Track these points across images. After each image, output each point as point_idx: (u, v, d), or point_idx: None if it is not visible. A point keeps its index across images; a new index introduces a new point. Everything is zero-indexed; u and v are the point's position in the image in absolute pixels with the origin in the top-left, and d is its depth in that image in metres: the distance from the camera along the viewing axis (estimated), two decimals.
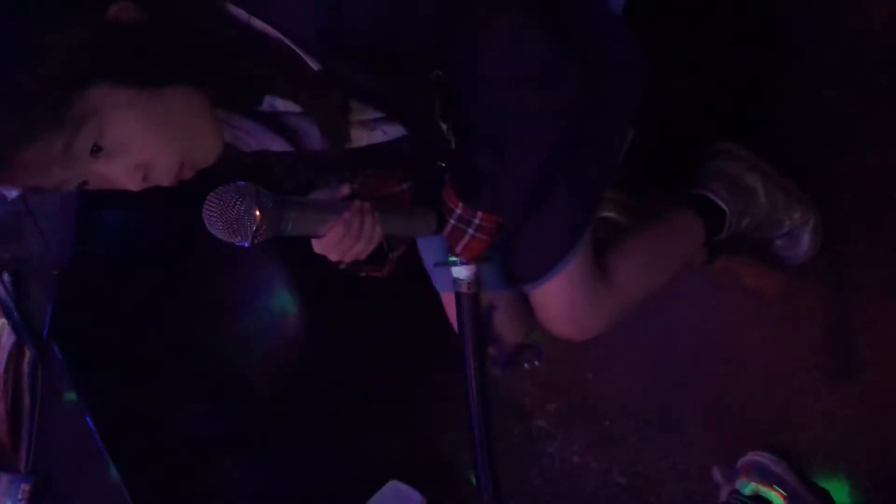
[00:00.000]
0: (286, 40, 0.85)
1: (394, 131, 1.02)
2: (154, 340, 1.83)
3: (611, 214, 1.38)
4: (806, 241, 1.37)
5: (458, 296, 1.08)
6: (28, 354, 1.78)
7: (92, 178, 0.84)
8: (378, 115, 0.98)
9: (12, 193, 1.72)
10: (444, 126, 0.98)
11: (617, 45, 1.08)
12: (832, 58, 1.32)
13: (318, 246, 0.95)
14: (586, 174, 1.11)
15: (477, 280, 1.07)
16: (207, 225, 0.82)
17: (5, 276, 1.86)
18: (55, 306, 1.75)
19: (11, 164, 0.79)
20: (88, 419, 1.67)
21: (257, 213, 0.80)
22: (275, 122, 0.96)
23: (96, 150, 0.80)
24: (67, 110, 0.77)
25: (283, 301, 1.83)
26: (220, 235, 0.82)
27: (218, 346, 1.82)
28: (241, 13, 0.83)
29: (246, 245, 0.83)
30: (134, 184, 0.84)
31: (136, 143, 0.82)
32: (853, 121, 1.32)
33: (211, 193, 0.81)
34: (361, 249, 0.95)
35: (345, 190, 0.98)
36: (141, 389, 1.73)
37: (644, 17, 1.11)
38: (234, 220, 0.80)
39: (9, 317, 1.83)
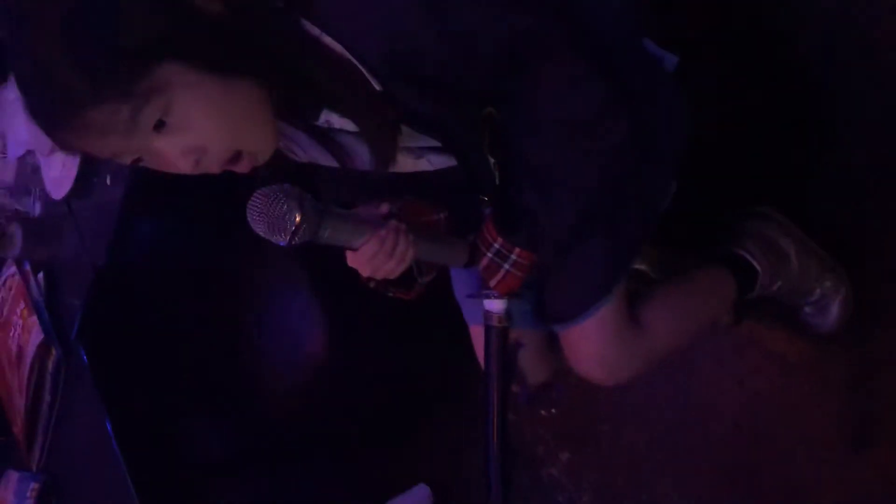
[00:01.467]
0: (353, 59, 0.88)
1: (439, 162, 1.05)
2: (178, 353, 1.85)
3: (643, 267, 1.40)
4: (835, 312, 1.38)
5: (487, 329, 1.09)
6: (54, 354, 1.81)
7: (147, 155, 0.87)
8: (427, 144, 1.01)
9: (60, 193, 1.77)
10: (491, 160, 1.01)
11: (667, 102, 1.11)
12: (872, 130, 1.34)
13: (351, 259, 0.98)
14: (627, 222, 1.13)
15: (508, 315, 1.09)
16: (249, 220, 0.86)
17: (40, 276, 1.90)
18: (86, 309, 1.78)
19: (75, 123, 0.82)
20: (108, 424, 1.68)
21: (298, 214, 0.85)
22: (327, 138, 0.99)
23: (160, 124, 0.83)
24: (140, 81, 0.80)
25: (308, 323, 1.85)
26: (260, 231, 0.86)
27: (240, 364, 1.84)
28: (313, 28, 0.87)
29: (283, 244, 0.87)
30: (187, 165, 0.87)
31: (197, 124, 0.85)
32: (891, 194, 1.34)
33: (258, 191, 0.85)
34: (392, 268, 0.97)
35: (384, 208, 1.01)
36: (162, 401, 1.75)
37: (693, 79, 1.14)
38: (276, 219, 0.85)
39: (39, 315, 1.85)
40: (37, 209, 1.91)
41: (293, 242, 0.86)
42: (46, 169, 1.78)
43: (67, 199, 1.80)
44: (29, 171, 1.90)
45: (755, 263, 1.32)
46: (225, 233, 1.87)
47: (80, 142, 0.85)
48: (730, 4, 1.40)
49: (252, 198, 0.86)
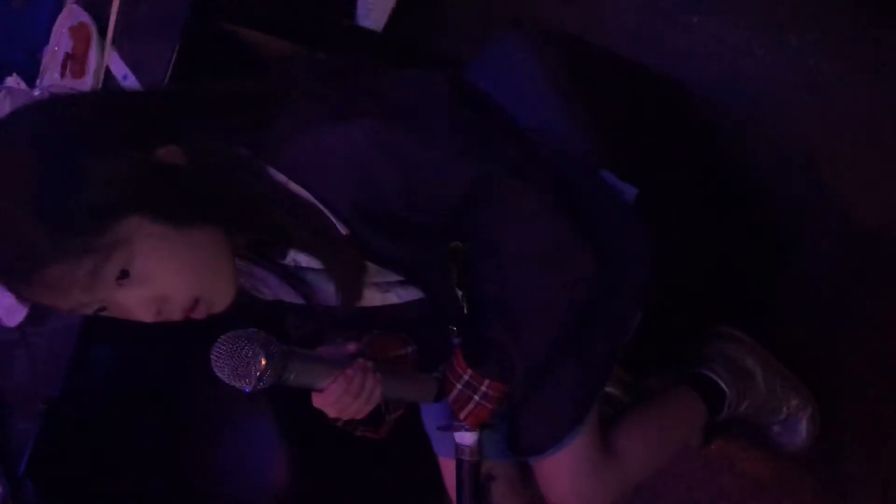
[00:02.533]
0: (318, 204, 0.88)
1: (407, 295, 1.04)
2: (134, 488, 1.78)
3: (613, 390, 1.40)
4: (803, 430, 1.38)
5: (459, 462, 1.07)
6: None
7: (110, 305, 0.85)
8: (394, 278, 1.01)
9: (14, 320, 1.73)
10: (459, 293, 1.01)
11: (629, 232, 1.13)
12: (833, 252, 1.38)
13: (317, 400, 0.95)
14: (595, 351, 1.13)
15: (479, 448, 1.07)
16: (213, 365, 0.84)
17: None
18: (36, 442, 1.71)
19: (35, 279, 0.80)
20: None
21: (263, 360, 0.83)
22: (293, 277, 0.99)
23: (123, 275, 0.82)
24: (102, 236, 0.80)
25: (272, 457, 1.80)
26: (224, 377, 0.84)
27: (199, 499, 1.77)
28: (279, 175, 0.88)
29: (247, 390, 0.85)
30: (148, 315, 0.86)
31: (160, 276, 0.84)
32: (851, 311, 1.37)
33: (222, 336, 0.84)
34: (360, 408, 0.95)
35: (350, 347, 1.00)
36: None
37: (652, 208, 1.17)
38: (240, 365, 0.83)
39: None
40: None
41: (258, 387, 0.84)
42: (0, 296, 1.74)
43: (20, 327, 1.76)
44: None
45: (722, 384, 1.33)
46: (183, 361, 1.83)
47: (40, 297, 0.83)
48: (686, 135, 1.46)
49: (216, 343, 0.84)
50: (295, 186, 0.88)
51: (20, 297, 0.84)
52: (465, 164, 0.91)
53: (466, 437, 1.07)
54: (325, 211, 0.89)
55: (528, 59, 1.20)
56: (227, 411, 1.82)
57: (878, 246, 1.34)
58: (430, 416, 1.26)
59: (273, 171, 0.88)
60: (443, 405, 1.09)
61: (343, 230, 0.90)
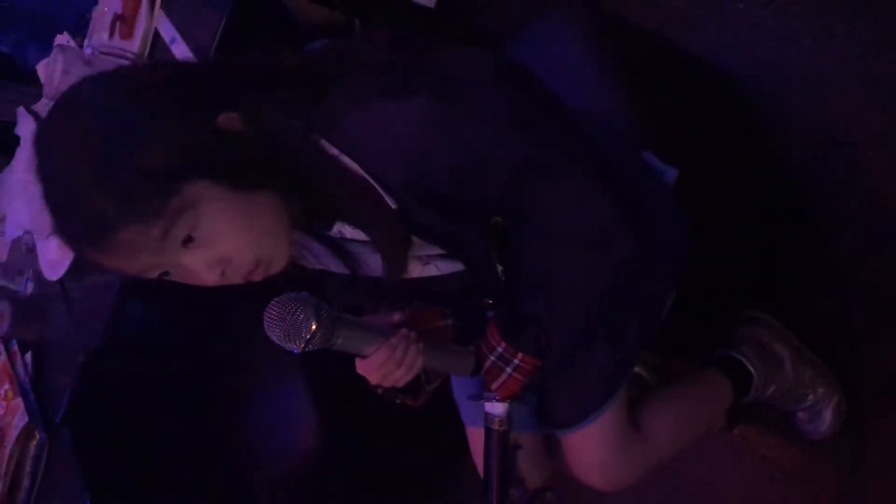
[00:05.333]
0: (369, 178, 0.91)
1: (446, 267, 1.07)
2: (165, 441, 1.82)
3: (641, 372, 1.41)
4: (828, 418, 1.39)
5: (487, 431, 1.09)
6: (37, 438, 1.77)
7: (175, 269, 0.88)
8: (434, 251, 1.03)
9: (55, 275, 1.77)
10: (499, 267, 1.04)
11: (667, 215, 1.14)
12: (872, 241, 1.38)
13: (360, 366, 0.98)
14: (628, 329, 1.15)
15: (509, 419, 1.09)
16: (266, 327, 0.87)
17: (27, 356, 1.88)
18: (73, 393, 1.76)
19: (107, 243, 0.83)
20: None
21: (314, 324, 0.87)
22: (339, 247, 1.01)
23: (188, 239, 0.85)
24: (169, 200, 0.82)
25: (299, 415, 1.83)
26: (275, 338, 0.87)
27: (228, 455, 1.81)
28: (332, 148, 0.90)
29: (296, 351, 0.88)
30: (213, 277, 0.89)
31: (224, 238, 0.87)
32: (882, 302, 1.37)
33: (275, 299, 0.87)
34: (401, 376, 0.98)
35: (395, 317, 1.02)
36: (146, 490, 1.71)
37: (691, 191, 1.18)
38: (292, 327, 0.86)
39: (24, 397, 1.83)
40: (28, 289, 1.90)
41: (306, 349, 0.87)
42: (43, 251, 1.78)
43: (61, 281, 1.80)
44: (23, 252, 1.90)
45: (750, 367, 1.34)
46: (217, 320, 1.87)
47: (110, 261, 0.86)
48: (726, 117, 1.46)
49: (269, 306, 0.87)
50: (347, 160, 0.90)
51: (90, 263, 0.87)
52: (513, 145, 0.93)
53: (496, 408, 1.10)
54: (375, 185, 0.91)
55: (574, 38, 1.21)
56: (258, 370, 1.86)
57: None
58: (460, 386, 1.29)
59: (326, 144, 0.90)
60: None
61: (392, 204, 0.92)
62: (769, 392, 1.37)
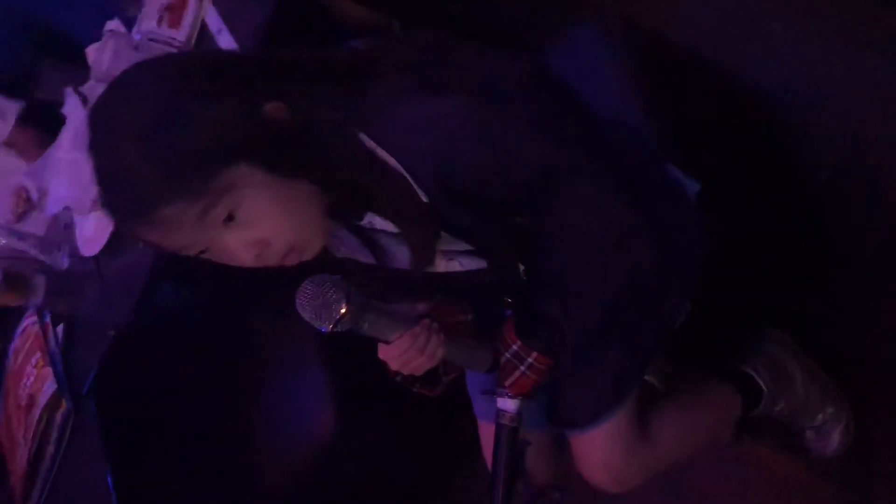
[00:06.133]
0: (403, 171, 0.95)
1: (469, 264, 1.10)
2: (187, 420, 1.87)
3: (651, 379, 1.44)
4: (835, 439, 1.41)
5: (498, 427, 1.12)
6: (64, 406, 1.83)
7: (213, 247, 0.93)
8: (459, 247, 1.07)
9: (91, 251, 1.83)
10: (521, 267, 1.07)
11: (687, 226, 1.17)
12: (884, 266, 1.39)
13: (383, 351, 1.02)
14: (642, 335, 1.18)
15: (520, 415, 1.13)
16: (297, 305, 0.92)
17: (59, 328, 1.94)
18: (102, 365, 1.81)
19: (151, 217, 0.88)
20: (109, 482, 1.69)
21: (344, 305, 0.91)
22: (367, 237, 1.05)
23: (229, 219, 0.90)
24: (213, 180, 0.87)
25: (318, 403, 1.88)
26: (305, 316, 0.92)
27: (247, 439, 1.85)
28: (369, 141, 0.94)
29: (324, 331, 0.93)
30: (250, 258, 0.93)
31: (263, 220, 0.91)
32: None
33: (309, 278, 0.92)
34: (420, 364, 1.02)
35: (421, 307, 1.06)
36: (165, 466, 1.76)
37: (712, 205, 1.20)
38: (323, 307, 0.91)
39: (54, 367, 1.88)
40: (64, 263, 1.96)
41: (335, 330, 0.92)
42: (80, 227, 1.84)
43: (96, 258, 1.86)
44: (61, 227, 1.96)
45: (761, 383, 1.37)
46: (243, 307, 1.92)
47: (152, 235, 0.91)
48: (750, 134, 1.48)
49: (302, 285, 0.92)
50: (382, 153, 0.94)
51: (131, 236, 0.92)
52: (541, 146, 0.97)
53: (508, 404, 1.13)
54: (409, 178, 0.95)
55: (606, 49, 1.24)
56: (279, 359, 1.90)
57: None
58: (474, 380, 1.33)
59: (364, 138, 0.94)
60: None
61: (423, 198, 0.96)
62: (778, 408, 1.39)
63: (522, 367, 1.10)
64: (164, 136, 0.86)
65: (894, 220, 1.38)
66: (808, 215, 1.46)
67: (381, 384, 1.15)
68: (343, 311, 0.91)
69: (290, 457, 1.87)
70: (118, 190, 0.89)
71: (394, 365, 1.03)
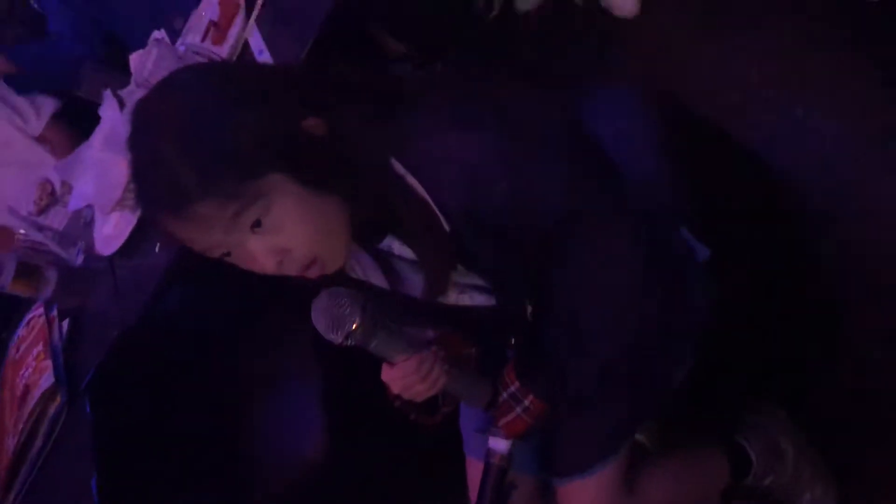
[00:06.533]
0: (430, 199, 0.97)
1: (479, 299, 1.12)
2: (181, 430, 1.87)
3: (641, 438, 1.44)
4: None
5: (487, 466, 1.13)
6: (59, 400, 1.84)
7: (237, 250, 0.95)
8: (473, 282, 1.09)
9: (108, 250, 1.86)
10: (529, 308, 1.09)
11: (695, 290, 1.19)
12: (887, 351, 1.40)
13: (387, 373, 1.04)
14: (640, 391, 1.19)
15: (509, 456, 1.13)
16: (312, 315, 0.95)
17: (65, 323, 1.96)
18: (102, 364, 1.82)
19: (184, 213, 0.90)
20: (93, 483, 1.69)
21: (358, 319, 0.94)
22: (385, 261, 1.08)
23: (257, 224, 0.92)
24: (248, 185, 0.90)
25: (313, 421, 1.88)
26: (318, 326, 0.94)
27: (239, 453, 1.85)
28: (399, 167, 0.97)
29: (336, 342, 0.95)
30: (271, 264, 0.95)
31: (289, 229, 0.93)
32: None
33: (326, 290, 0.95)
34: (421, 391, 1.04)
35: (430, 334, 1.08)
36: (152, 473, 1.76)
37: (720, 272, 1.23)
38: (337, 318, 0.94)
39: (54, 360, 1.90)
40: (78, 260, 1.99)
41: (345, 343, 0.94)
42: (100, 225, 1.87)
43: (111, 257, 1.88)
44: (81, 224, 1.99)
45: (752, 453, 1.37)
46: (249, 320, 1.94)
47: (182, 231, 0.93)
48: (764, 210, 1.51)
49: (319, 295, 0.95)
50: (412, 180, 0.97)
51: (163, 229, 0.95)
52: (568, 191, 0.99)
53: (499, 444, 1.13)
54: (434, 207, 0.97)
55: (638, 111, 1.28)
56: (279, 374, 1.92)
57: None
58: (468, 416, 1.34)
59: (396, 163, 0.97)
60: None
61: (446, 226, 0.98)
62: (766, 482, 1.39)
63: (519, 409, 1.11)
64: (204, 137, 0.89)
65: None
66: (815, 293, 1.48)
67: (376, 408, 1.16)
68: (355, 325, 0.94)
69: (278, 474, 1.86)
70: (155, 184, 0.92)
71: (395, 388, 1.04)
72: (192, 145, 0.89)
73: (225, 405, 1.86)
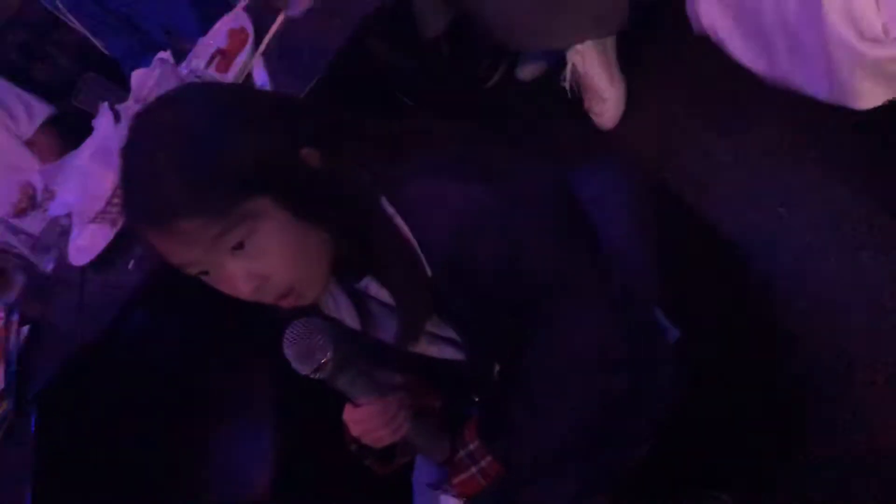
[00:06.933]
0: (416, 243, 0.97)
1: (449, 353, 1.12)
2: (123, 451, 1.84)
3: None
4: None
5: None
6: (5, 406, 1.80)
7: (215, 271, 0.93)
8: (444, 334, 1.09)
9: (80, 261, 1.84)
10: (496, 368, 1.09)
11: (663, 369, 1.19)
12: (848, 463, 1.41)
13: (349, 413, 1.03)
14: (598, 468, 1.17)
15: None
16: (284, 342, 0.94)
17: (24, 329, 1.92)
18: (55, 376, 1.79)
19: (168, 227, 0.89)
20: (27, 498, 1.65)
21: (329, 353, 0.94)
22: (360, 300, 1.07)
23: (239, 247, 0.91)
24: (236, 206, 0.89)
25: (258, 462, 1.84)
26: (288, 355, 0.94)
27: (179, 482, 1.81)
28: (389, 207, 0.97)
29: (303, 374, 0.94)
30: (247, 289, 0.93)
31: (270, 256, 0.92)
32: None
33: (300, 320, 0.95)
34: (381, 436, 1.03)
35: (398, 379, 1.07)
36: (92, 494, 1.72)
37: (688, 355, 1.24)
38: (308, 350, 0.93)
39: (7, 366, 1.86)
40: (49, 267, 1.97)
41: (312, 376, 0.93)
42: (76, 235, 1.86)
43: (82, 269, 1.86)
44: (57, 232, 1.97)
45: None
46: (210, 353, 1.92)
47: (163, 244, 0.92)
48: (737, 299, 1.53)
49: (293, 324, 0.93)
50: (400, 222, 0.97)
51: (145, 240, 0.93)
52: (553, 257, 1.00)
53: (451, 502, 1.13)
54: (419, 252, 0.97)
55: (623, 186, 1.30)
56: (232, 407, 1.89)
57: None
58: (422, 471, 1.31)
59: (385, 203, 0.97)
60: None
61: (428, 272, 0.98)
62: None
63: (475, 469, 1.10)
64: (200, 152, 0.89)
65: (862, 405, 1.40)
66: (779, 396, 1.49)
67: (330, 448, 1.14)
68: (325, 360, 0.93)
69: None
70: (143, 193, 0.91)
71: (355, 430, 1.03)
72: (187, 158, 0.89)
73: (175, 433, 1.82)
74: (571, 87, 1.90)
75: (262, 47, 1.73)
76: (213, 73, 1.72)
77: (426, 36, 1.78)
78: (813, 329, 1.49)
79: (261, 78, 1.69)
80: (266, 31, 1.74)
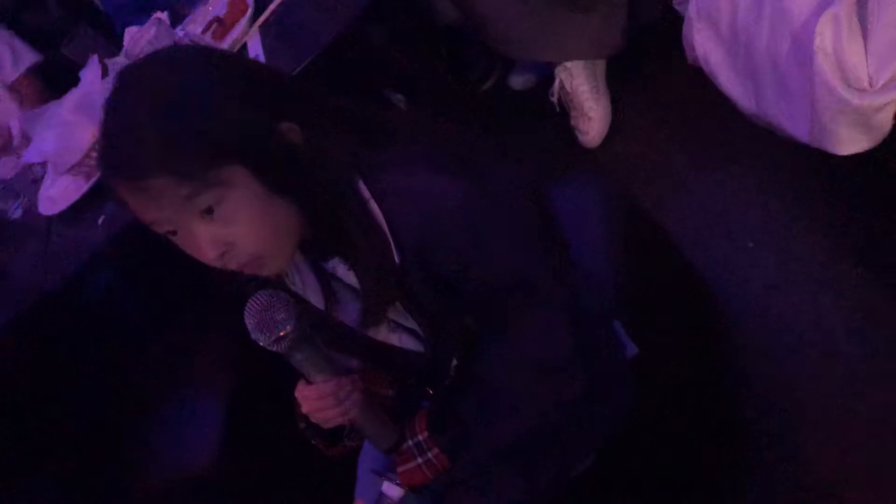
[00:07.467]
0: (387, 229, 0.98)
1: (408, 342, 1.12)
2: (69, 411, 1.82)
3: None
4: None
5: None
6: None
7: (183, 232, 0.93)
8: (406, 322, 1.09)
9: (49, 210, 1.82)
10: (454, 362, 1.10)
11: (618, 384, 1.21)
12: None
13: (301, 390, 1.03)
14: (543, 472, 1.18)
15: None
16: (245, 311, 0.94)
17: None
18: (8, 323, 1.77)
19: (140, 183, 0.89)
20: None
21: (289, 327, 0.93)
22: (325, 281, 1.07)
23: (208, 211, 0.91)
24: (208, 170, 0.89)
25: (205, 433, 1.83)
26: (248, 324, 0.94)
27: (126, 446, 1.80)
28: (365, 191, 0.98)
29: (260, 343, 0.94)
30: (212, 254, 0.93)
31: (238, 224, 0.92)
32: None
33: (265, 290, 0.94)
34: (331, 416, 1.03)
35: (354, 363, 1.07)
36: (33, 451, 1.70)
37: (644, 372, 1.25)
38: (269, 321, 0.93)
39: None
40: (17, 213, 1.94)
41: (270, 347, 0.93)
42: (49, 185, 1.84)
43: (50, 220, 1.85)
44: (29, 179, 1.95)
45: None
46: (167, 319, 1.90)
47: (134, 199, 0.92)
48: (698, 325, 1.55)
49: (258, 294, 0.93)
50: (374, 206, 0.97)
51: (115, 193, 0.93)
52: (525, 261, 1.01)
53: (393, 490, 1.13)
54: (390, 238, 0.98)
55: (599, 201, 1.32)
56: (185, 377, 1.88)
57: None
58: (366, 458, 1.32)
59: (362, 186, 0.98)
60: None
61: (396, 258, 0.99)
62: None
63: (420, 460, 1.10)
64: (182, 114, 0.89)
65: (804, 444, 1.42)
66: (730, 427, 1.50)
67: (278, 425, 1.14)
68: (284, 332, 0.92)
69: (167, 477, 1.81)
70: (119, 146, 0.91)
71: (306, 407, 1.03)
72: (168, 118, 0.88)
73: (127, 394, 1.81)
74: (559, 101, 1.93)
75: (261, 20, 1.73)
76: (208, 40, 1.72)
77: (439, 24, 1.79)
78: (767, 366, 1.51)
79: (255, 50, 1.69)
80: (267, 5, 1.74)
